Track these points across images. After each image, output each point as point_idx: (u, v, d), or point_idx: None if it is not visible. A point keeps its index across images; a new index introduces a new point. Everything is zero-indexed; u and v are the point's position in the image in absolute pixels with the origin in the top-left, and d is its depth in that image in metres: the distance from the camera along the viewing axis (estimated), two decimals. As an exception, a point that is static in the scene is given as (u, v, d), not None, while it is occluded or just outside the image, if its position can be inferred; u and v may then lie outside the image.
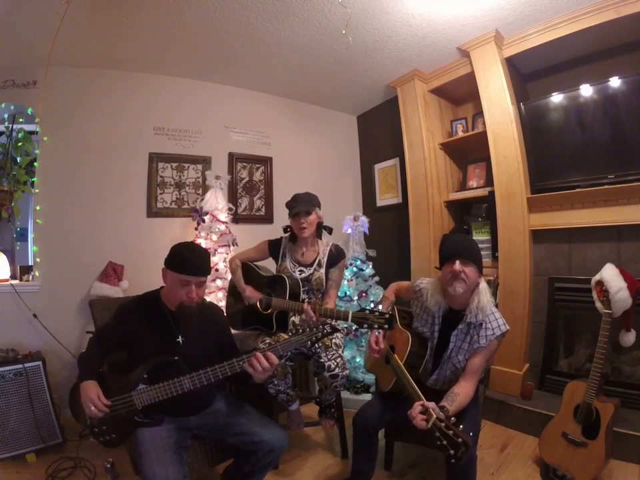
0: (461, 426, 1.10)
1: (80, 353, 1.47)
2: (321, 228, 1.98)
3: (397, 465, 1.88)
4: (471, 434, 1.38)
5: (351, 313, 1.57)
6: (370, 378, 2.62)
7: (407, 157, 3.03)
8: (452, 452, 1.06)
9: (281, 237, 2.05)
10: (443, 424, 1.10)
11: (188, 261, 1.32)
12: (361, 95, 3.40)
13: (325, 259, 1.96)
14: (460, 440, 1.05)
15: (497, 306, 1.59)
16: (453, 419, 1.14)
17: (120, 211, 2.71)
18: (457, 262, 1.39)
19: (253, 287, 1.96)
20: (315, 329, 1.31)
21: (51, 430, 1.98)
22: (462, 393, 1.34)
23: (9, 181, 2.28)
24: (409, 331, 1.59)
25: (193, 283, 1.33)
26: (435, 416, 1.13)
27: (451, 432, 1.08)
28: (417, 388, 1.32)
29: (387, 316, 1.47)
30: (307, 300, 1.88)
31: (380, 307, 1.65)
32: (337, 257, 1.97)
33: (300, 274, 1.92)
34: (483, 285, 1.46)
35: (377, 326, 1.49)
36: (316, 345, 1.77)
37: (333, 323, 1.62)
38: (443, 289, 1.50)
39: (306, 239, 1.93)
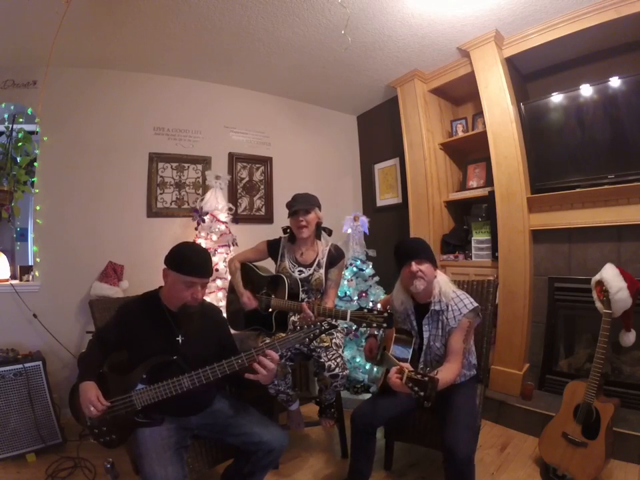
0: (429, 370, 1.26)
1: (80, 353, 1.47)
2: (320, 229, 1.98)
3: (396, 464, 1.88)
4: (468, 430, 1.42)
5: (349, 312, 1.58)
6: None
7: (407, 157, 3.03)
8: (422, 393, 1.19)
9: (280, 237, 2.04)
10: (412, 373, 1.25)
11: (194, 262, 1.32)
12: (360, 95, 3.40)
13: (325, 259, 1.96)
14: (426, 378, 1.20)
15: (496, 306, 1.65)
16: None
17: (120, 211, 2.71)
18: (413, 263, 1.54)
19: (252, 287, 1.96)
20: (313, 326, 1.31)
21: (51, 430, 1.98)
22: (444, 369, 1.43)
23: (8, 181, 2.28)
24: (395, 327, 1.67)
25: (199, 284, 1.34)
26: (407, 371, 1.27)
27: (419, 376, 1.22)
28: (397, 361, 1.42)
29: (386, 314, 1.48)
30: (306, 300, 1.88)
31: (378, 305, 1.67)
32: (336, 257, 1.97)
33: (299, 274, 1.92)
34: (440, 276, 1.62)
35: (375, 325, 1.50)
36: (315, 343, 1.77)
37: (332, 321, 1.62)
38: (405, 288, 1.65)
39: (305, 239, 1.93)
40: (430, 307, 1.58)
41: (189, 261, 1.32)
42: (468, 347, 1.60)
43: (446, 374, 1.41)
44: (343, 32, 2.17)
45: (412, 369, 1.30)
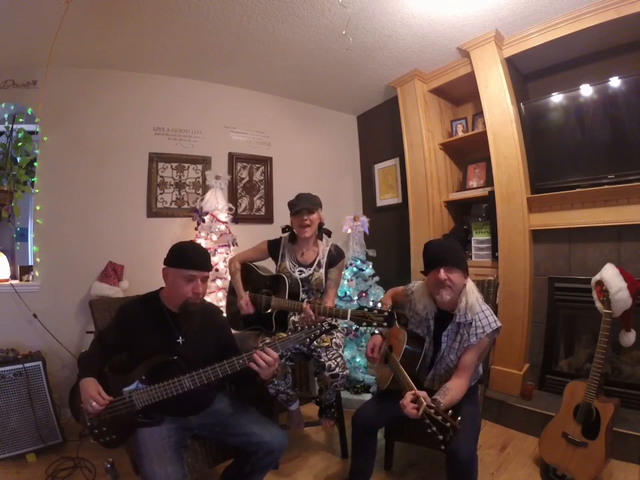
0: (449, 411, 1.12)
1: (80, 352, 1.47)
2: (321, 229, 1.98)
3: (397, 464, 1.88)
4: (471, 431, 1.41)
5: (350, 311, 1.58)
6: (370, 378, 2.62)
7: (407, 157, 3.03)
8: (441, 437, 1.09)
9: (280, 237, 2.05)
10: (432, 410, 1.13)
11: (192, 256, 1.35)
12: (360, 95, 3.40)
13: (325, 259, 1.96)
14: (448, 424, 1.08)
15: (496, 306, 1.59)
16: (442, 407, 1.17)
17: (120, 211, 2.71)
18: (442, 270, 1.41)
19: (252, 287, 1.96)
20: (313, 327, 1.31)
21: (51, 430, 1.98)
22: (454, 387, 1.36)
23: (8, 181, 2.28)
24: (405, 329, 1.60)
25: (199, 277, 1.35)
26: (425, 403, 1.15)
27: (439, 417, 1.10)
28: (409, 380, 1.34)
29: (386, 313, 1.48)
30: (306, 299, 1.88)
31: (379, 305, 1.65)
32: (336, 257, 1.97)
33: (300, 274, 1.92)
34: (470, 285, 1.49)
35: (375, 324, 1.49)
36: (315, 343, 1.77)
37: (332, 321, 1.62)
38: (429, 293, 1.53)
39: (307, 239, 1.93)
40: (454, 319, 1.48)
41: (187, 255, 1.35)
42: (479, 364, 1.54)
43: (455, 392, 1.35)
44: (344, 32, 2.17)
45: (429, 399, 1.20)
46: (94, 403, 1.21)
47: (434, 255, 1.48)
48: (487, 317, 1.45)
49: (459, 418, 1.11)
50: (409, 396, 1.22)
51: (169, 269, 1.36)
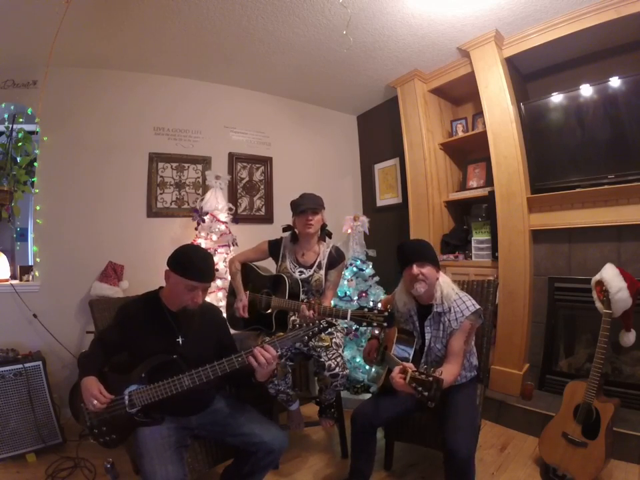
0: (434, 370, 1.23)
1: (81, 352, 1.47)
2: (324, 230, 1.98)
3: (396, 464, 1.88)
4: (469, 430, 1.42)
5: (350, 311, 1.58)
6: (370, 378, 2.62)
7: (407, 157, 3.03)
8: (426, 393, 1.18)
9: (281, 237, 2.04)
10: (416, 373, 1.24)
11: (197, 266, 1.32)
12: (361, 95, 3.40)
13: (325, 260, 1.96)
14: (430, 378, 1.19)
15: (496, 306, 1.62)
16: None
17: (120, 211, 2.71)
18: (414, 266, 1.55)
19: (253, 287, 1.96)
20: (312, 324, 1.32)
21: (51, 430, 1.98)
22: (444, 370, 1.40)
23: (8, 181, 2.28)
24: (397, 326, 1.67)
25: (200, 288, 1.34)
26: (410, 371, 1.26)
27: (422, 376, 1.21)
28: (399, 360, 1.42)
29: (386, 314, 1.48)
30: (305, 300, 1.87)
31: (379, 305, 1.67)
32: (336, 259, 1.97)
33: (300, 275, 1.92)
34: (443, 278, 1.61)
35: (375, 324, 1.50)
36: (315, 343, 1.77)
37: (331, 320, 1.63)
38: (407, 290, 1.65)
39: (310, 237, 1.93)
40: (432, 309, 1.59)
41: (192, 265, 1.32)
42: (469, 349, 1.60)
43: (445, 375, 1.39)
44: (344, 32, 2.17)
45: (415, 368, 1.29)
46: (95, 402, 1.21)
47: (406, 254, 1.61)
48: (464, 302, 1.55)
49: (441, 371, 1.23)
50: (397, 369, 1.32)
51: (171, 273, 1.34)
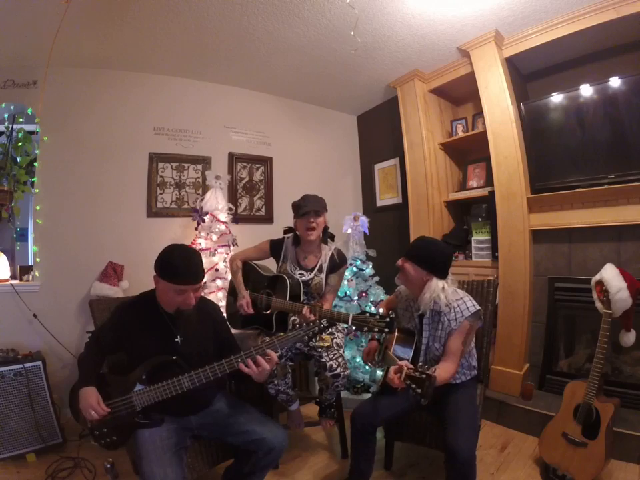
0: (428, 367, 1.23)
1: (80, 354, 1.47)
2: (326, 233, 1.95)
3: (396, 464, 1.88)
4: (470, 430, 1.42)
5: (351, 315, 1.57)
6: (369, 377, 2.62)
7: (406, 157, 3.03)
8: (419, 390, 1.18)
9: (283, 238, 2.02)
10: (411, 371, 1.24)
11: (182, 270, 1.28)
12: (361, 95, 3.40)
13: (327, 263, 1.93)
14: (423, 375, 1.19)
15: (496, 306, 1.61)
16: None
17: (120, 211, 2.71)
18: (401, 258, 1.60)
19: (253, 287, 1.96)
20: (312, 324, 1.32)
21: (51, 430, 1.98)
22: (440, 368, 1.41)
23: (8, 181, 2.28)
24: (398, 327, 1.66)
25: (190, 290, 1.32)
26: (405, 369, 1.26)
27: (416, 374, 1.22)
28: (397, 359, 1.41)
29: (388, 319, 1.48)
30: (305, 302, 1.87)
31: (380, 310, 1.66)
32: (338, 263, 1.95)
33: (300, 277, 1.91)
34: (435, 282, 1.54)
35: (377, 329, 1.49)
36: (316, 343, 1.77)
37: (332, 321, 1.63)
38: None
39: (312, 242, 1.90)
40: (427, 309, 1.57)
41: (176, 269, 1.28)
42: (467, 350, 1.59)
43: (440, 372, 1.38)
44: (352, 33, 2.16)
45: (411, 367, 1.29)
46: (93, 413, 1.22)
47: (407, 248, 1.64)
48: (465, 302, 1.53)
49: (435, 369, 1.23)
50: (393, 368, 1.32)
51: (159, 279, 1.31)
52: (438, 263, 1.55)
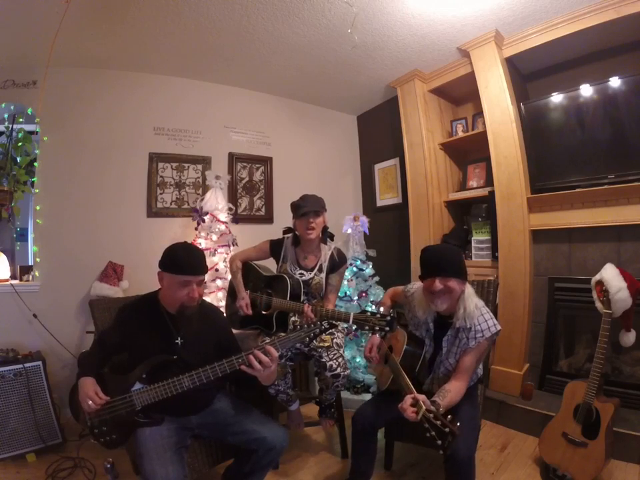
0: (449, 416, 1.13)
1: (81, 352, 1.48)
2: (325, 232, 1.95)
3: (396, 464, 1.88)
4: (470, 431, 1.40)
5: (352, 314, 1.57)
6: (370, 378, 2.62)
7: (407, 157, 3.03)
8: (439, 442, 1.09)
9: (283, 238, 2.03)
10: (431, 415, 1.13)
11: (185, 261, 1.32)
12: (360, 95, 3.40)
13: (327, 263, 1.94)
14: (447, 429, 1.09)
15: (496, 306, 1.58)
16: (441, 410, 1.18)
17: (120, 211, 2.71)
18: (437, 280, 1.40)
19: (253, 286, 1.96)
20: (313, 326, 1.32)
21: (51, 430, 1.98)
22: (453, 390, 1.36)
23: (8, 181, 2.28)
24: (405, 330, 1.61)
25: (194, 282, 1.33)
26: (424, 407, 1.16)
27: (438, 422, 1.11)
28: (409, 382, 1.34)
29: (389, 318, 1.47)
30: (306, 301, 1.87)
31: (381, 308, 1.65)
32: (338, 262, 1.95)
33: (300, 277, 1.91)
34: (469, 291, 1.46)
35: (377, 328, 1.49)
36: (316, 343, 1.77)
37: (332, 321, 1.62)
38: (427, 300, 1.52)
39: (311, 241, 1.90)
40: (453, 324, 1.48)
41: (180, 261, 1.32)
42: (478, 366, 1.54)
43: (454, 394, 1.35)
44: (349, 31, 2.14)
45: (428, 403, 1.20)
46: (90, 402, 1.22)
47: (430, 263, 1.45)
48: (486, 321, 1.44)
49: (458, 424, 1.11)
50: (408, 399, 1.22)
51: (164, 274, 1.35)
52: (464, 268, 1.47)
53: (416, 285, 1.66)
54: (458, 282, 1.42)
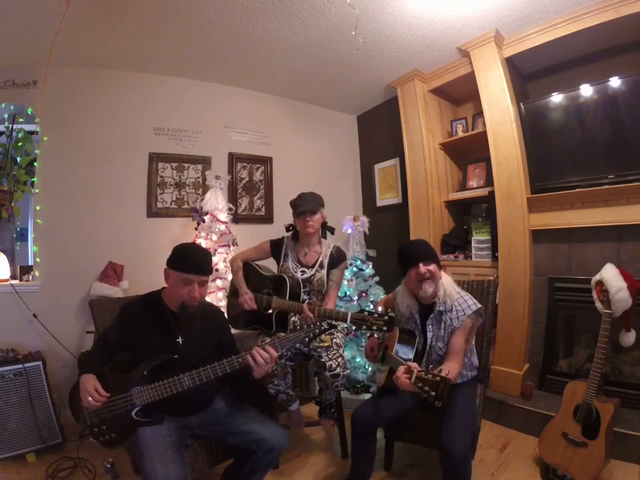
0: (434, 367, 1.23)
1: (81, 351, 1.48)
2: (325, 228, 1.99)
3: (396, 464, 1.88)
4: (466, 430, 1.42)
5: (350, 314, 1.58)
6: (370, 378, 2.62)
7: (407, 156, 3.03)
8: (433, 393, 1.17)
9: (283, 237, 2.05)
10: (422, 373, 1.23)
11: (190, 259, 1.34)
12: (361, 95, 3.40)
13: (327, 260, 1.96)
14: (437, 378, 1.18)
15: (496, 306, 1.61)
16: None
17: (120, 211, 2.71)
18: (420, 265, 1.53)
19: (253, 287, 1.96)
20: (312, 326, 1.32)
21: (51, 430, 1.98)
22: (446, 369, 1.38)
23: (8, 181, 2.28)
24: (398, 327, 1.65)
25: (196, 282, 1.34)
26: (416, 371, 1.24)
27: (429, 376, 1.20)
28: (403, 360, 1.41)
29: (386, 318, 1.48)
30: (307, 300, 1.88)
31: (379, 308, 1.66)
32: (337, 259, 1.98)
33: (302, 275, 1.92)
34: (445, 278, 1.61)
35: (375, 327, 1.50)
36: (315, 343, 1.77)
37: (332, 322, 1.62)
38: (410, 292, 1.64)
39: (311, 235, 1.93)
40: (434, 308, 1.59)
41: (186, 259, 1.34)
42: (469, 347, 1.60)
43: (449, 374, 1.39)
44: (353, 33, 2.16)
45: (420, 368, 1.28)
46: (90, 398, 1.22)
47: (410, 254, 1.60)
48: (466, 301, 1.55)
49: (440, 369, 1.23)
50: (401, 369, 1.30)
51: (170, 270, 1.37)
52: (438, 256, 1.63)
53: (399, 287, 1.75)
54: (436, 267, 1.57)
